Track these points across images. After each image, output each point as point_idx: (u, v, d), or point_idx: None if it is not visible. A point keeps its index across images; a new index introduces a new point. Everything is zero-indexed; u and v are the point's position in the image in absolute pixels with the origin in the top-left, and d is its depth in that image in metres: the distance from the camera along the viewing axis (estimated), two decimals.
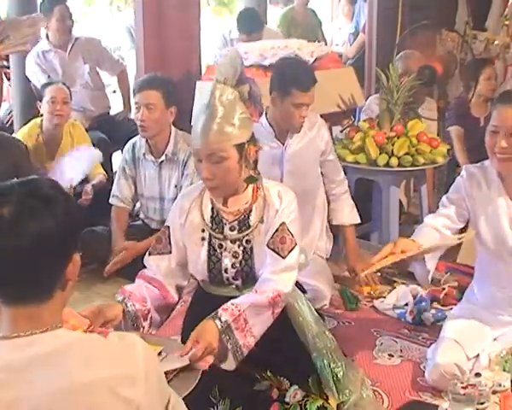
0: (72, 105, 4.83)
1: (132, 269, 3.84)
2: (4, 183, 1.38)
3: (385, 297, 3.57)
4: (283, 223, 2.27)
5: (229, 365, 2.13)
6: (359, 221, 3.72)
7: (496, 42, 5.78)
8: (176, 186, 3.86)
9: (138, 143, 3.89)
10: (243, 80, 2.27)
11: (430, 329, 3.24)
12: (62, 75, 4.88)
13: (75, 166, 4.11)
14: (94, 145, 4.48)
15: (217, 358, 2.08)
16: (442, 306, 3.43)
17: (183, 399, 1.79)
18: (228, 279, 2.31)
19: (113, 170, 5.01)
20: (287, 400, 2.14)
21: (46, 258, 1.31)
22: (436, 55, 5.00)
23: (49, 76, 4.80)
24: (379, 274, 3.68)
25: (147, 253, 2.42)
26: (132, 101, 3.92)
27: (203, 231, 2.30)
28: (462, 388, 2.06)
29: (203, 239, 2.30)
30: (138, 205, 4.15)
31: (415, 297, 3.44)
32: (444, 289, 3.55)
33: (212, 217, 2.31)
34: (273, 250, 2.26)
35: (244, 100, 2.24)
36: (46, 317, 1.34)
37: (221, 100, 2.17)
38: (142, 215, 4.11)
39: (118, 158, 5.16)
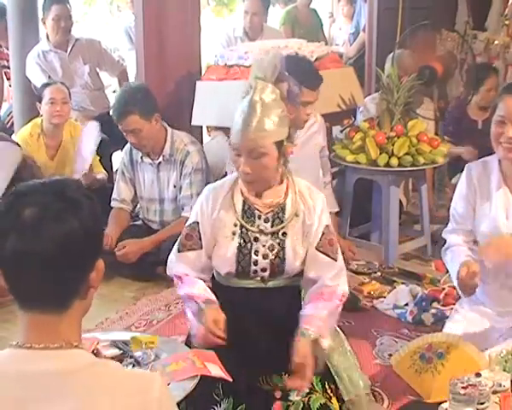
0: (73, 105, 4.84)
1: (133, 268, 3.88)
2: (27, 182, 1.29)
3: (385, 297, 3.58)
4: (327, 225, 2.32)
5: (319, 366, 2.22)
6: (336, 209, 3.84)
7: (496, 42, 5.77)
8: (175, 186, 3.86)
9: None
10: (282, 78, 2.28)
11: (430, 329, 3.23)
12: (62, 75, 4.88)
13: (86, 146, 4.26)
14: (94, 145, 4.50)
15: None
16: (442, 306, 3.43)
17: (185, 398, 1.80)
18: (255, 271, 2.29)
19: (114, 169, 5.02)
20: (290, 398, 2.15)
21: (70, 264, 1.23)
22: (436, 55, 4.98)
23: (49, 76, 4.80)
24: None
25: (174, 250, 2.38)
26: None
27: (235, 225, 2.29)
28: (462, 388, 2.06)
29: (234, 234, 2.29)
30: (139, 206, 4.15)
31: (415, 297, 3.45)
32: (444, 289, 3.55)
33: (243, 210, 2.30)
34: (325, 254, 2.29)
35: (282, 98, 2.26)
36: (63, 328, 1.25)
37: (262, 97, 2.19)
38: (142, 216, 4.11)
39: (118, 158, 5.17)
